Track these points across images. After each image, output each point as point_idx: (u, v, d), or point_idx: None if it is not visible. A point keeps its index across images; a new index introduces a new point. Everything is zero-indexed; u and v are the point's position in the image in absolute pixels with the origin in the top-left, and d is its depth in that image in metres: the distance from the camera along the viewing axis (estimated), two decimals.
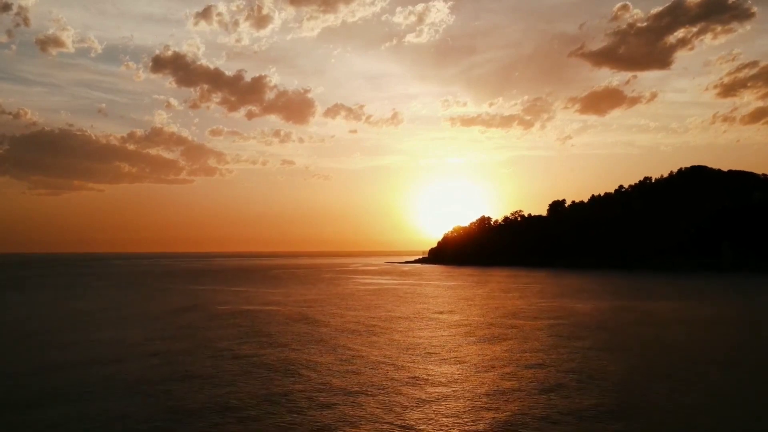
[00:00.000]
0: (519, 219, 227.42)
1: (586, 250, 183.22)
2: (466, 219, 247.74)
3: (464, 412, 22.12)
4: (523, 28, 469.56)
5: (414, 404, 23.17)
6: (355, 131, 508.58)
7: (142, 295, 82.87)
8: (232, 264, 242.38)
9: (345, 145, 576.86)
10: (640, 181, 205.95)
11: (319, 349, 36.09)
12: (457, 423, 20.75)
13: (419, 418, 21.28)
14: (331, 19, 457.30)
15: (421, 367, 30.51)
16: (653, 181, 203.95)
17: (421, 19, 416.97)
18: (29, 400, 24.37)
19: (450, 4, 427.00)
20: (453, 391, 25.35)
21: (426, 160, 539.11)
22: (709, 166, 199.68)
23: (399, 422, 20.83)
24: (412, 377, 28.11)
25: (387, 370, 29.62)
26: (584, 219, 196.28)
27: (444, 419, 21.17)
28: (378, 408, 22.53)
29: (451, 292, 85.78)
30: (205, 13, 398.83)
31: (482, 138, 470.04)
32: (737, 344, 37.99)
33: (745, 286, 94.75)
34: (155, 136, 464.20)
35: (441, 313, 57.39)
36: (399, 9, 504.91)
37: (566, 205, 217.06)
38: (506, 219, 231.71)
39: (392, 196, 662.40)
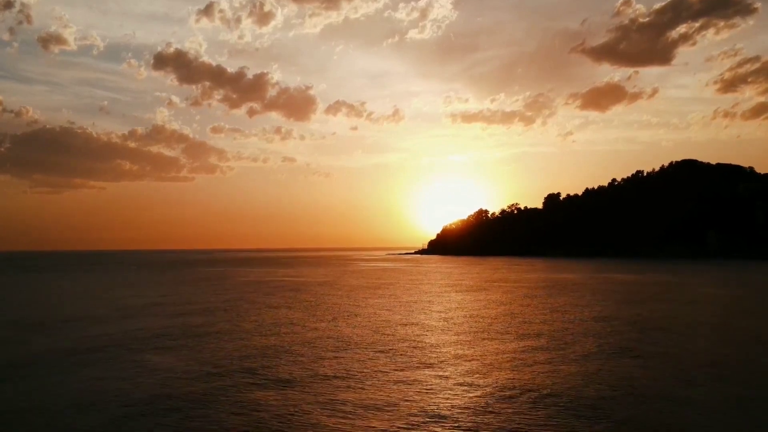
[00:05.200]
0: (515, 211, 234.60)
1: (580, 240, 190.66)
2: (467, 216, 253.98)
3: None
4: (526, 25, 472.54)
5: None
6: (356, 128, 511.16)
7: (200, 274, 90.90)
8: (241, 257, 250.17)
9: (346, 142, 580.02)
10: (632, 174, 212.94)
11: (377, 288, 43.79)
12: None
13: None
14: (333, 16, 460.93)
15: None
16: (645, 174, 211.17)
17: (424, 14, 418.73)
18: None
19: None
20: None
21: (427, 158, 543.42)
22: (706, 160, 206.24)
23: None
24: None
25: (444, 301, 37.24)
26: (578, 211, 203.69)
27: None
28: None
29: (450, 270, 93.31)
30: (208, 11, 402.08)
31: (484, 135, 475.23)
32: (695, 293, 47.31)
33: (719, 267, 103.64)
34: (156, 134, 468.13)
35: (452, 274, 64.83)
36: (402, 5, 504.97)
37: (561, 198, 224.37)
38: (503, 211, 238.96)
39: (393, 193, 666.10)
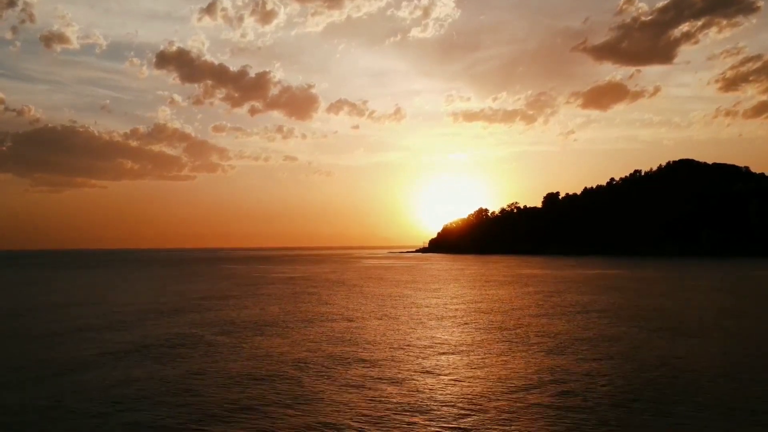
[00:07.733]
0: (515, 210, 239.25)
1: (578, 238, 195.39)
2: (467, 215, 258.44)
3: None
4: (527, 24, 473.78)
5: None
6: (357, 127, 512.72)
7: (223, 272, 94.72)
8: (246, 255, 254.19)
9: (347, 141, 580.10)
10: (630, 174, 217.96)
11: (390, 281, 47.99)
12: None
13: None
14: (335, 15, 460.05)
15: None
16: (643, 174, 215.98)
17: (426, 13, 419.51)
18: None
19: None
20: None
21: (428, 156, 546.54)
22: (707, 160, 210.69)
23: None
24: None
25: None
26: (577, 210, 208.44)
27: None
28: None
29: (461, 267, 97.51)
30: (210, 9, 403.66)
31: (485, 134, 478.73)
32: (679, 284, 51.07)
33: (714, 264, 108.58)
34: (158, 132, 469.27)
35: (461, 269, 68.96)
36: (404, 3, 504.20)
37: (560, 197, 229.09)
38: (503, 210, 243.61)
39: (394, 192, 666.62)
